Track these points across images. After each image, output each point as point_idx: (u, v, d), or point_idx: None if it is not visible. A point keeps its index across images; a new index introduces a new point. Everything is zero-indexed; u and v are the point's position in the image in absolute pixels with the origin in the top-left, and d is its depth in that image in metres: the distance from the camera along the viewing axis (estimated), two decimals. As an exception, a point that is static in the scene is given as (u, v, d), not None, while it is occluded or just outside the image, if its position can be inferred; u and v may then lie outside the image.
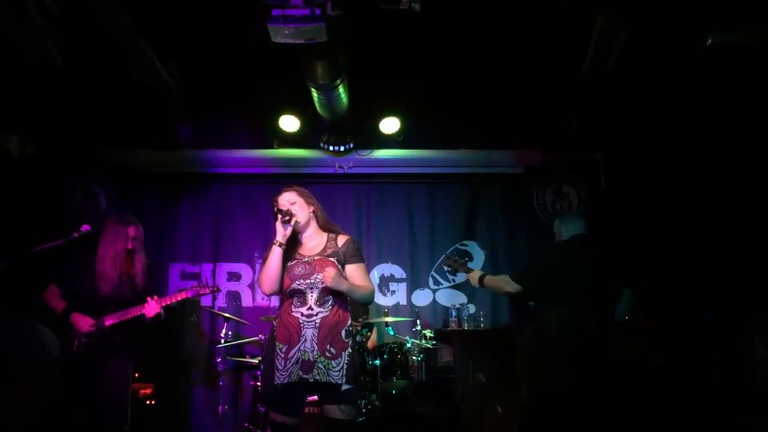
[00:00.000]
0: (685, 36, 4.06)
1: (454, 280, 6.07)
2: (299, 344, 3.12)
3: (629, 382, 4.59)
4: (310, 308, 3.17)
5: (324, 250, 3.29)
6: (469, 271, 4.18)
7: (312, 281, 3.19)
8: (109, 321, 4.01)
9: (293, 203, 3.30)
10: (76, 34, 4.24)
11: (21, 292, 4.32)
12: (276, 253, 3.22)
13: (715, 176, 4.62)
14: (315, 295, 3.18)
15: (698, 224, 4.81)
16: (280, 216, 3.24)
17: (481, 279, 4.08)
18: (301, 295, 3.19)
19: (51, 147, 5.60)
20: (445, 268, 4.51)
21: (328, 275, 3.12)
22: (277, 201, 3.33)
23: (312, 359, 3.09)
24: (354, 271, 3.27)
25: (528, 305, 4.34)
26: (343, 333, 3.19)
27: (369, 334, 5.36)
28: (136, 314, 4.04)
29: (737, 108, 4.29)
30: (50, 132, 5.47)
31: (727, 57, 3.98)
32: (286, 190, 3.36)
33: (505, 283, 3.91)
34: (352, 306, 3.37)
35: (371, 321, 5.30)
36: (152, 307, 4.01)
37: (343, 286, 3.17)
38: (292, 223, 3.25)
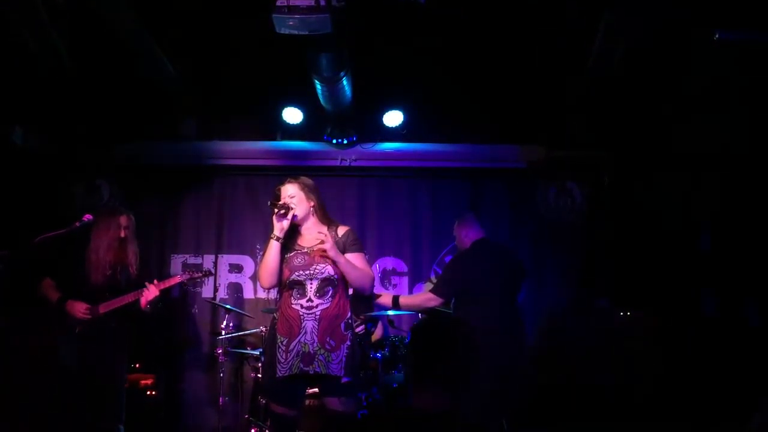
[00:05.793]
0: (693, 32, 4.03)
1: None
2: (299, 336, 3.11)
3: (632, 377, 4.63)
4: (310, 300, 3.16)
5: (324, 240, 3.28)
6: (376, 296, 4.15)
7: (311, 272, 3.18)
8: (103, 308, 4.03)
9: (292, 197, 3.28)
10: (80, 27, 4.23)
11: (19, 285, 4.34)
12: (274, 247, 3.20)
13: (721, 174, 4.61)
14: (315, 286, 3.17)
15: (703, 222, 4.80)
16: (276, 210, 3.22)
17: (395, 301, 4.12)
18: (300, 286, 3.18)
19: (54, 138, 5.59)
20: None
21: (327, 243, 3.13)
22: (274, 193, 3.31)
23: (312, 351, 3.09)
24: (354, 259, 3.26)
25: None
26: (343, 325, 3.19)
27: (373, 329, 5.35)
28: (130, 300, 4.05)
29: (745, 105, 4.28)
30: (54, 124, 5.46)
31: (735, 53, 3.95)
32: (288, 182, 3.34)
33: (427, 300, 4.22)
34: (356, 302, 3.36)
35: (374, 314, 5.30)
36: (150, 292, 4.01)
37: (340, 258, 3.17)
38: (289, 217, 3.22)
